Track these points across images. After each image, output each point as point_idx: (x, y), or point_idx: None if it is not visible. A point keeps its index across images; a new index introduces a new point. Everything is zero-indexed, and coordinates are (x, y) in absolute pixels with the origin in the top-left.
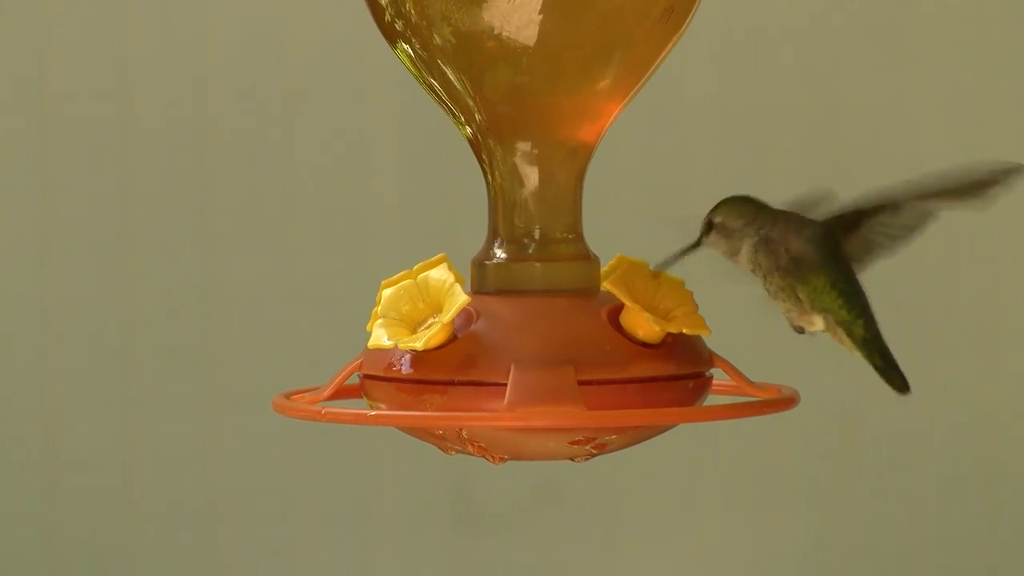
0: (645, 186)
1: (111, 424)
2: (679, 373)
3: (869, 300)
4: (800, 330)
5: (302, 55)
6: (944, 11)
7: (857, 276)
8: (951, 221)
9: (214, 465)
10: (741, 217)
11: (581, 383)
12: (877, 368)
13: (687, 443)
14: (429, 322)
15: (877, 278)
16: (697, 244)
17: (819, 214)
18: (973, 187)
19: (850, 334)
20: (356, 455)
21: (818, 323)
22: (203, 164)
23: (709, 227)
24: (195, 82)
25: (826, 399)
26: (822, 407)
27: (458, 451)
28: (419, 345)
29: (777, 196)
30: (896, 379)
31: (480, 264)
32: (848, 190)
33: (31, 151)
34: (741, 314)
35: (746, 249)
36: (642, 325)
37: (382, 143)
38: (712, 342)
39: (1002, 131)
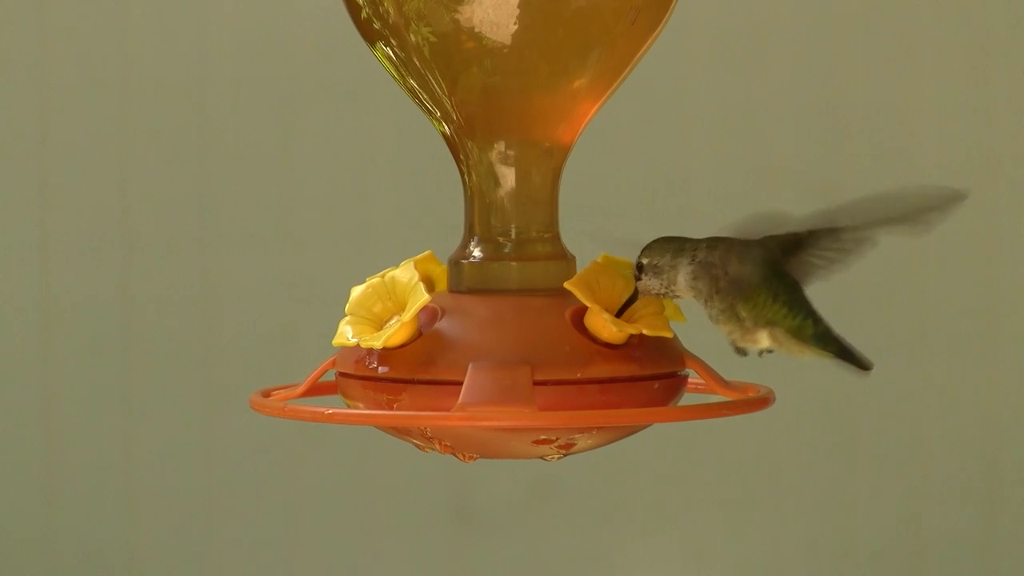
0: (641, 185)
1: (111, 423)
2: (642, 374)
3: (816, 307)
4: (742, 352)
5: (302, 55)
6: (945, 10)
7: (802, 287)
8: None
9: (214, 465)
10: (667, 253)
11: (538, 383)
12: (834, 356)
13: (685, 443)
14: (392, 320)
15: (878, 279)
16: (635, 293)
17: (759, 235)
18: (912, 214)
19: (800, 336)
20: (356, 455)
21: (763, 340)
22: (203, 163)
23: (640, 270)
24: (195, 81)
25: (826, 399)
26: (821, 407)
27: (432, 449)
28: (378, 343)
29: (774, 196)
30: (856, 360)
31: (456, 263)
32: (847, 190)
33: (31, 151)
34: None
35: (682, 278)
36: (603, 326)
37: (382, 142)
38: (712, 344)
39: (1002, 131)
